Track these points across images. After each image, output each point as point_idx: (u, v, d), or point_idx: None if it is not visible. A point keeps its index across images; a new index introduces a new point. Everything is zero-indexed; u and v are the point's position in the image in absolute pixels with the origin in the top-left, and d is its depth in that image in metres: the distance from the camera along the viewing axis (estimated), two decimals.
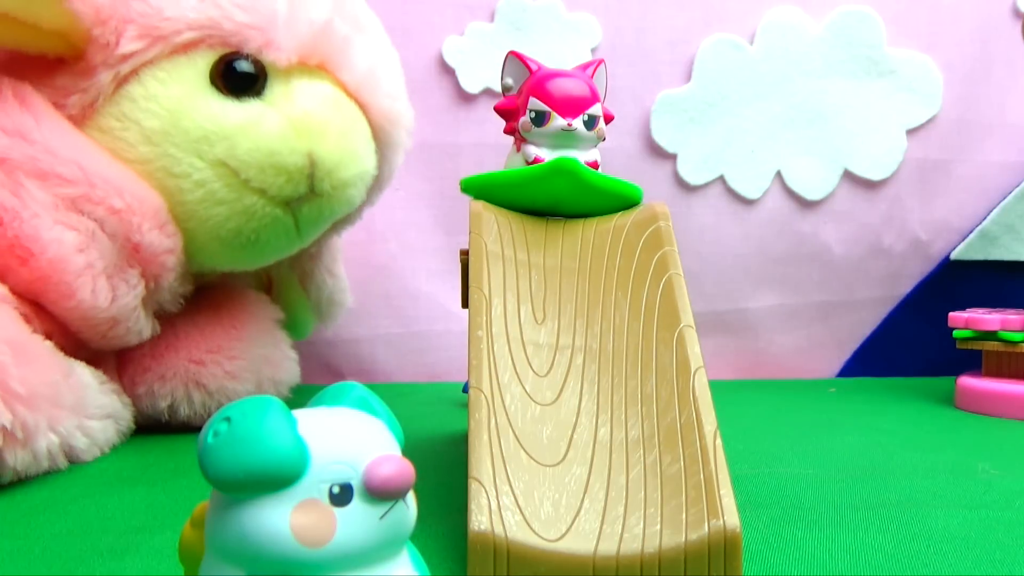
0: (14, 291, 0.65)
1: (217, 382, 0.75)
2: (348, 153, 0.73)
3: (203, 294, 0.81)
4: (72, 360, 0.67)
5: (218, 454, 0.26)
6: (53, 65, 0.68)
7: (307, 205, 0.72)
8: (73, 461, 0.65)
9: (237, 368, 0.76)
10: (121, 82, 0.68)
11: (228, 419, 0.26)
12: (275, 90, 0.71)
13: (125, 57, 0.67)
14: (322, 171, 0.71)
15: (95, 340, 0.71)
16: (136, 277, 0.69)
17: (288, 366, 0.83)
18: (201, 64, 0.69)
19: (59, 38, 0.66)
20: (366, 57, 0.76)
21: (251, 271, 0.85)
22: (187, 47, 0.69)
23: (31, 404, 0.59)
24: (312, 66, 0.72)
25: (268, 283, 0.91)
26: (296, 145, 0.69)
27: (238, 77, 0.69)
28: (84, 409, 0.66)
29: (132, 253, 0.68)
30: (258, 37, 0.69)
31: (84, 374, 0.68)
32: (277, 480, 0.26)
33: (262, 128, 0.69)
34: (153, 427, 0.76)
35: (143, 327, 0.72)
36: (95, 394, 0.68)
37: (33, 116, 0.65)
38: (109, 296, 0.67)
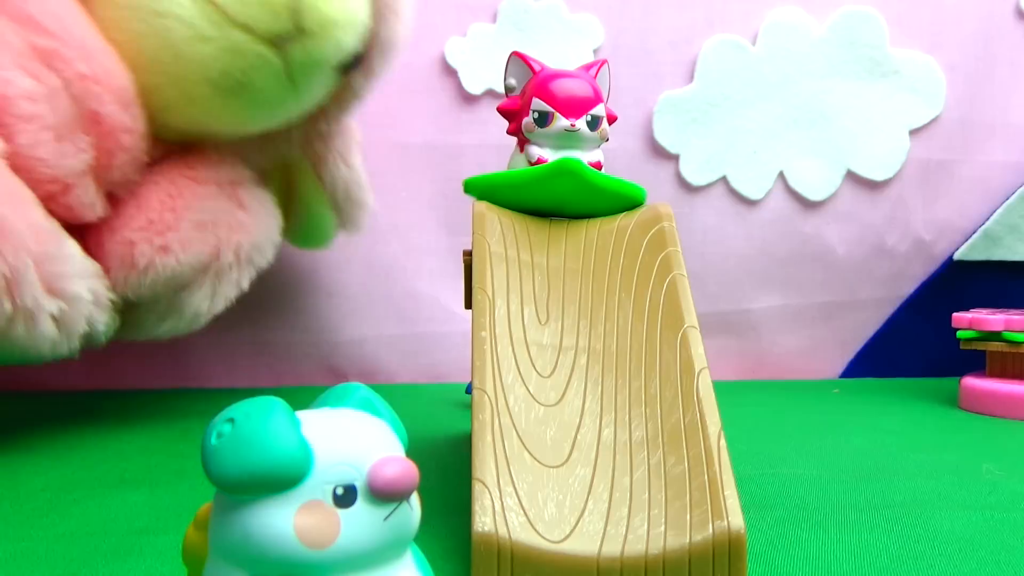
0: None
1: (146, 258, 0.72)
2: None
3: (152, 166, 0.77)
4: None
5: (222, 456, 0.26)
6: None
7: (295, 46, 0.69)
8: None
9: (169, 240, 0.73)
10: None
11: (232, 420, 0.26)
12: None
13: None
14: (306, 4, 0.68)
15: (54, 208, 0.70)
16: (86, 144, 0.68)
17: (253, 226, 0.79)
18: None
19: None
20: None
21: (261, 157, 0.83)
22: None
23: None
24: None
25: (286, 186, 0.89)
26: None
27: None
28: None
29: (91, 121, 0.68)
30: None
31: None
32: (281, 481, 0.26)
33: None
34: (155, 425, 0.76)
35: (94, 201, 0.71)
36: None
37: None
38: (52, 151, 0.66)
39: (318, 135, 0.87)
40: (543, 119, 0.56)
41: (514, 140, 0.60)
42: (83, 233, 0.73)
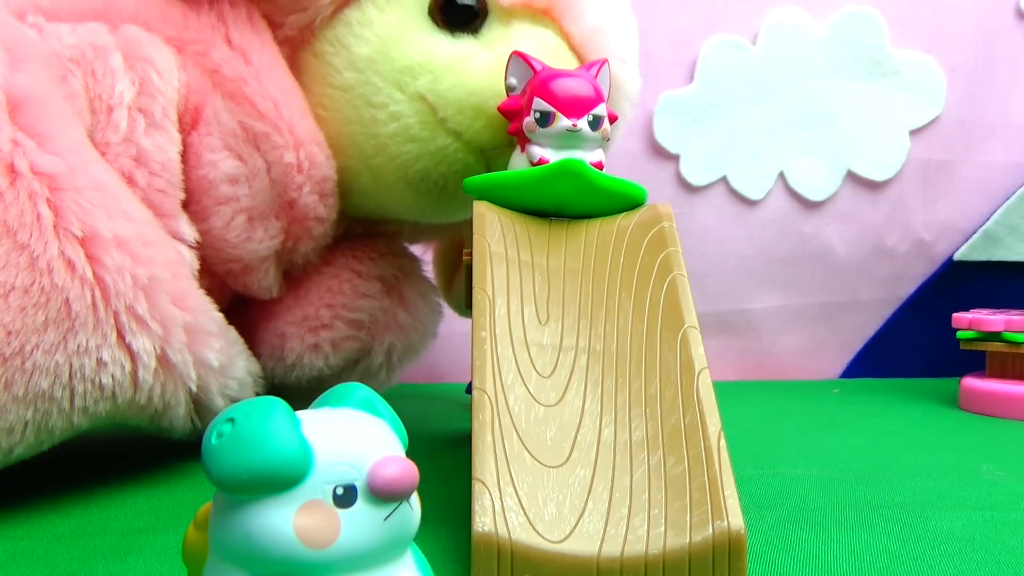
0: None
1: (295, 355, 0.71)
2: None
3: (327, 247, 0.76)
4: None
5: (222, 455, 0.26)
6: None
7: (503, 158, 0.66)
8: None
9: (322, 340, 0.71)
10: (341, 5, 0.65)
11: (232, 420, 0.26)
12: (493, 30, 0.66)
13: None
14: None
15: (231, 283, 0.69)
16: (277, 229, 0.66)
17: (411, 326, 0.76)
18: None
19: None
20: (598, 11, 0.70)
21: (436, 236, 0.82)
22: None
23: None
24: (537, 10, 0.67)
25: (455, 258, 0.87)
26: (502, 89, 0.63)
27: (457, 10, 0.65)
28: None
29: (285, 207, 0.66)
30: None
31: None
32: (281, 481, 0.26)
33: (469, 66, 0.64)
34: None
35: (272, 284, 0.70)
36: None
37: (259, 40, 0.64)
38: (242, 235, 0.65)
39: None
40: (544, 119, 0.56)
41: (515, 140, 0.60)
42: (244, 308, 0.72)
